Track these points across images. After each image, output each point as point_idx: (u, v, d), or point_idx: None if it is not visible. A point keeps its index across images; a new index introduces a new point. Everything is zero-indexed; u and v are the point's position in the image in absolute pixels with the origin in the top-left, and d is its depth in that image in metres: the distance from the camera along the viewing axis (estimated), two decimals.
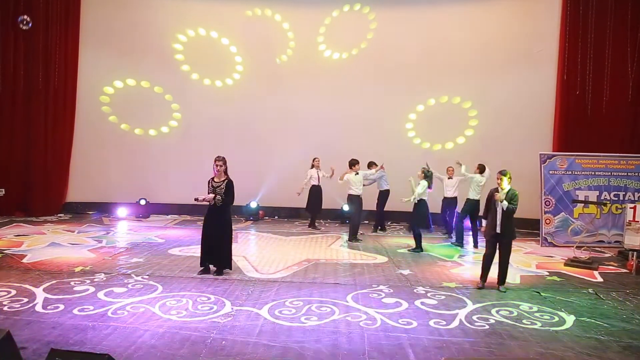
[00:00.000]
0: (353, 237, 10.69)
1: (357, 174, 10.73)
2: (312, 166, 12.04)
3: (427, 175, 9.71)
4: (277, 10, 13.61)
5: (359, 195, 10.73)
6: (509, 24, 12.85)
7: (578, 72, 12.14)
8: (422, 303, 6.42)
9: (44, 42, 12.68)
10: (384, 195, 11.93)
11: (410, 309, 6.19)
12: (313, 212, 12.40)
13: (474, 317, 5.93)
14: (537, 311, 6.26)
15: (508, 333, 5.47)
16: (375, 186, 11.90)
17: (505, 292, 7.09)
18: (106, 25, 13.27)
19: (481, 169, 10.65)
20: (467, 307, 6.34)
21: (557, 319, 6.00)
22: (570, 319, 5.98)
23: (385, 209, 12.14)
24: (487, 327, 5.65)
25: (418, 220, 9.83)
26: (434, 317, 5.90)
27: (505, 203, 6.98)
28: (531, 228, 12.25)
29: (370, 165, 11.77)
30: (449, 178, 11.29)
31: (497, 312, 6.18)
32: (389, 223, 12.85)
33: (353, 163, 10.75)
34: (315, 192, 12.11)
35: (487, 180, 10.41)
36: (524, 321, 5.86)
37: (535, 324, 5.79)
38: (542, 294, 7.07)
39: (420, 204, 9.71)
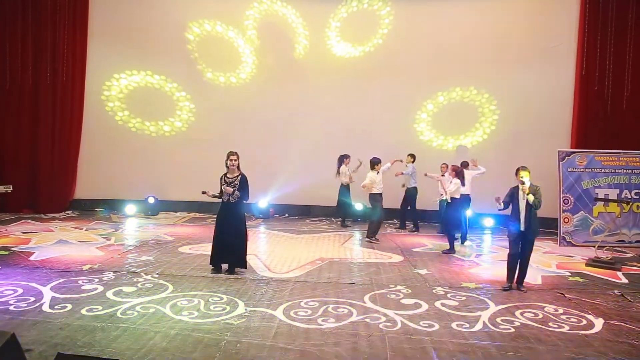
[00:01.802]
0: (373, 236, 10.28)
1: (379, 173, 10.40)
2: (342, 163, 11.74)
3: (458, 173, 9.38)
4: (291, 4, 13.34)
5: (381, 194, 10.29)
6: (527, 18, 12.53)
7: (597, 66, 11.84)
8: (442, 304, 6.16)
9: (52, 37, 12.51)
10: (413, 193, 11.63)
11: (430, 310, 5.94)
12: (342, 212, 12.14)
13: (498, 320, 5.67)
14: (563, 313, 5.99)
15: (535, 337, 5.21)
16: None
17: (525, 291, 6.84)
18: (115, 19, 13.09)
19: (464, 166, 10.52)
20: (490, 308, 6.08)
21: (585, 322, 5.73)
22: (599, 322, 5.71)
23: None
24: (512, 330, 5.39)
25: (451, 220, 9.48)
26: (456, 319, 5.65)
27: (531, 196, 6.72)
28: (548, 227, 11.96)
29: (410, 157, 11.63)
30: (442, 175, 11.03)
31: (522, 314, 5.91)
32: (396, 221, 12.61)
33: (375, 162, 10.30)
34: (345, 192, 11.85)
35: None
36: (551, 324, 5.59)
37: (563, 327, 5.53)
38: (566, 295, 6.79)
39: (454, 204, 9.37)
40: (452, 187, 9.37)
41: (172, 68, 13.40)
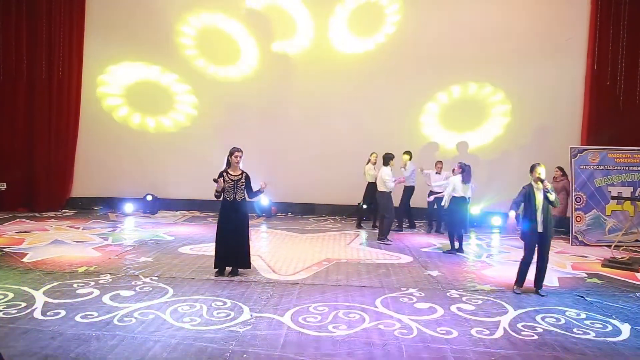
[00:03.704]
0: (384, 237, 9.80)
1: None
2: (369, 161, 11.20)
3: (464, 170, 9.03)
4: None
5: (390, 192, 9.83)
6: (536, 11, 12.12)
7: (609, 61, 11.51)
8: (458, 309, 5.83)
9: (47, 29, 12.11)
10: (410, 191, 11.23)
11: (446, 315, 5.60)
12: (372, 213, 11.51)
13: (519, 326, 5.34)
14: (586, 318, 5.65)
15: (560, 344, 4.88)
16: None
17: (546, 296, 6.50)
18: (113, 11, 12.69)
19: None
20: (509, 313, 5.75)
21: (610, 327, 5.40)
22: (625, 328, 5.38)
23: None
24: (535, 337, 5.05)
25: (455, 220, 9.14)
26: (475, 325, 5.31)
27: (552, 194, 6.37)
28: (559, 226, 11.62)
29: (407, 155, 11.11)
30: (436, 173, 10.73)
31: (543, 319, 5.58)
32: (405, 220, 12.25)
33: (390, 157, 9.80)
34: (372, 191, 11.00)
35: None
36: (575, 330, 5.26)
37: (588, 333, 5.20)
38: (586, 298, 6.46)
39: (457, 202, 9.02)
40: (449, 187, 9.04)
41: (172, 62, 13.01)
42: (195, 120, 13.18)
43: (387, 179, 9.62)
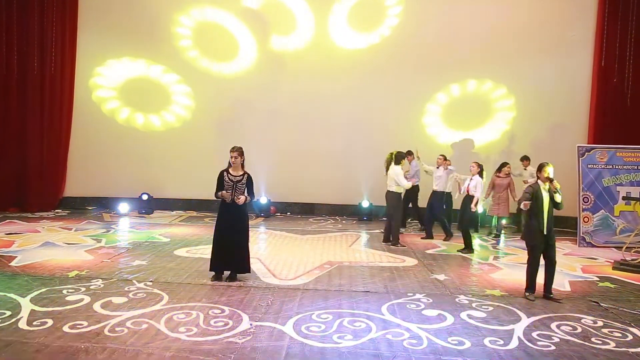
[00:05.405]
0: (397, 242, 9.37)
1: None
2: None
3: (482, 169, 8.83)
4: None
5: (401, 194, 9.52)
6: (541, 6, 11.85)
7: (616, 57, 11.22)
8: (469, 316, 5.53)
9: (40, 24, 11.79)
10: (415, 191, 10.94)
11: (457, 323, 5.30)
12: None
13: (534, 335, 5.04)
14: (603, 326, 5.36)
15: (580, 356, 4.58)
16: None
17: (561, 301, 6.21)
18: (107, 5, 12.37)
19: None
20: (522, 321, 5.45)
21: (630, 336, 5.11)
22: None
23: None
24: (552, 347, 4.75)
25: (468, 219, 8.98)
26: (488, 334, 5.02)
27: (558, 196, 6.10)
28: (564, 226, 11.36)
29: (408, 154, 10.80)
30: (437, 167, 10.37)
31: (558, 327, 5.29)
32: (409, 220, 11.97)
33: (402, 156, 9.51)
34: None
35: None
36: (594, 340, 4.97)
37: (608, 343, 4.90)
38: (601, 304, 6.17)
39: (469, 201, 8.86)
40: (472, 184, 8.80)
41: (168, 57, 12.72)
42: (193, 117, 12.88)
43: (400, 178, 9.25)
